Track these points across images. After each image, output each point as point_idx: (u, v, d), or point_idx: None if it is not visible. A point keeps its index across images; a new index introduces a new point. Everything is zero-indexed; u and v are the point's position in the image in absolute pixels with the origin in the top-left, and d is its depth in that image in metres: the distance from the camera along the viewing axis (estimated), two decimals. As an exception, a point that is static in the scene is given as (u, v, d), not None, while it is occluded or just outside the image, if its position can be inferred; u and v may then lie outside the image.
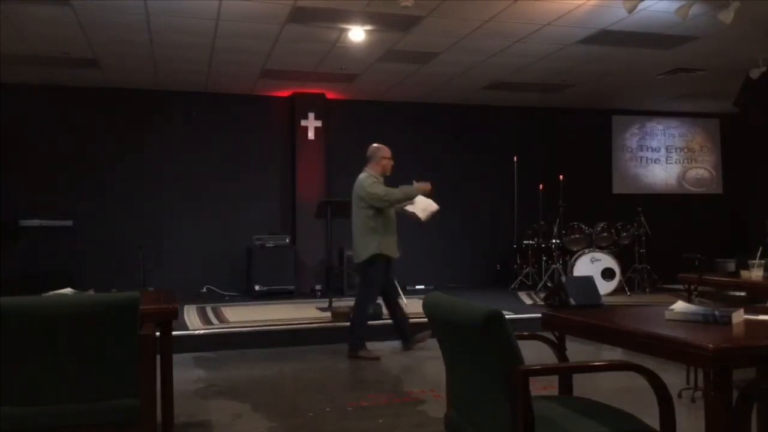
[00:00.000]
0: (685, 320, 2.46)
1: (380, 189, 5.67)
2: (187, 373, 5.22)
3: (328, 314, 6.97)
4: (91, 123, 9.16)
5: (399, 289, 6.56)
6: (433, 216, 5.90)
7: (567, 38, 7.16)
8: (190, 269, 9.25)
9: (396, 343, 6.18)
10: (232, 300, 8.82)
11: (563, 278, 7.87)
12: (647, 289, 9.25)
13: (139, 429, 2.69)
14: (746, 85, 8.10)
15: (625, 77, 8.94)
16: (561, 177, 9.29)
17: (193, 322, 6.83)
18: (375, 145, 5.93)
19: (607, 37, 7.11)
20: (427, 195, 5.87)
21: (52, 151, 8.98)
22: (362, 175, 5.80)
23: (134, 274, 8.18)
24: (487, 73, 8.65)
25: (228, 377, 5.19)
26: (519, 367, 1.99)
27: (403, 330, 6.00)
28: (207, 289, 9.33)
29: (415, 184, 5.83)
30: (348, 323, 6.07)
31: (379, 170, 5.80)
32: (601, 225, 9.30)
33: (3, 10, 6.09)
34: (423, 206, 5.85)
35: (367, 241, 5.67)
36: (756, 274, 4.45)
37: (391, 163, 5.87)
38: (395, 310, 6.01)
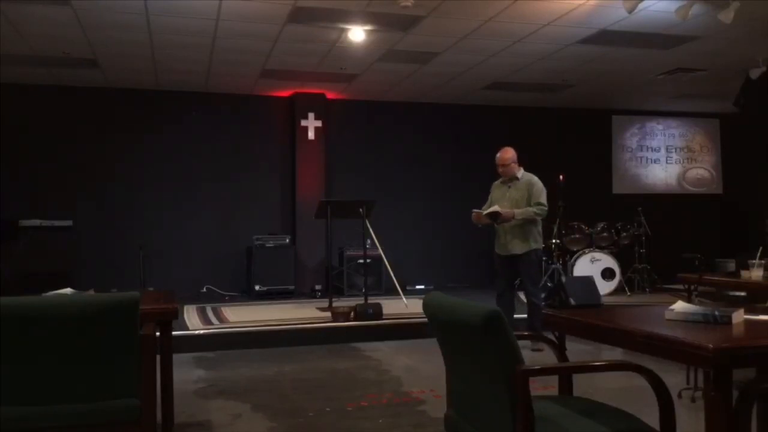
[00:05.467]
0: (685, 320, 2.45)
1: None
2: (187, 373, 5.23)
3: (328, 314, 6.96)
4: (91, 123, 9.15)
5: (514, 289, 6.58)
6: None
7: (567, 38, 7.16)
8: (190, 269, 9.24)
9: (395, 343, 6.19)
10: (232, 300, 8.82)
11: (563, 278, 7.87)
12: (647, 289, 9.23)
13: (139, 429, 2.69)
14: (746, 85, 8.10)
15: (625, 77, 8.94)
16: (561, 177, 9.29)
17: (193, 322, 6.83)
18: None
19: (607, 37, 7.11)
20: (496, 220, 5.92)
21: (52, 151, 8.98)
22: None
23: (134, 274, 8.18)
24: (487, 73, 8.64)
25: (228, 377, 5.19)
26: (519, 367, 1.99)
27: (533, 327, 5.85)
28: (207, 289, 9.33)
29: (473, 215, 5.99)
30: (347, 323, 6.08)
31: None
32: (601, 225, 9.30)
33: (3, 10, 6.09)
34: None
35: None
36: (756, 274, 4.45)
37: (500, 168, 6.03)
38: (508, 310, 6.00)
